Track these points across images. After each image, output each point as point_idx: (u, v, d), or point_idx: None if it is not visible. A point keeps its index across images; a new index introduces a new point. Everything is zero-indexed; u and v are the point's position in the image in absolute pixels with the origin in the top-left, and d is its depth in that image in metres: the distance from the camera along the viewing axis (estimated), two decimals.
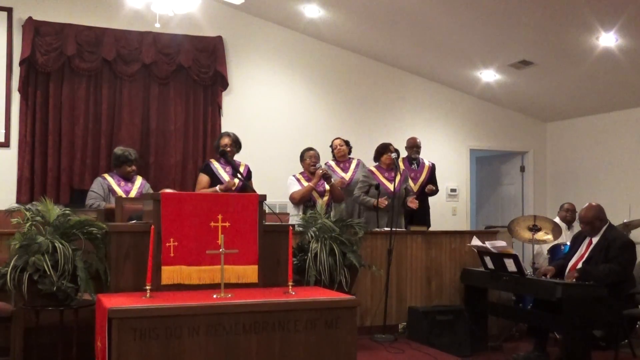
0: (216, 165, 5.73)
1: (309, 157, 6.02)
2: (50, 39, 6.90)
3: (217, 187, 5.48)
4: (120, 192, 5.73)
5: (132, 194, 5.79)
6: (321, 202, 5.75)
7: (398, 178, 6.19)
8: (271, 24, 7.94)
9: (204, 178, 5.68)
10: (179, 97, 7.47)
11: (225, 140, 5.75)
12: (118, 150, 5.99)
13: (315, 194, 5.94)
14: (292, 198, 5.95)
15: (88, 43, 7.04)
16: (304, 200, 5.89)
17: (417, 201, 6.17)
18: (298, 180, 6.01)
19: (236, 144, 5.79)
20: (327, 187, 5.95)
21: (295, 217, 5.83)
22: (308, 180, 5.96)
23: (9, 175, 6.80)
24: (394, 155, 6.21)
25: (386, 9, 6.92)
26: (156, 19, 5.80)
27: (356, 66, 8.40)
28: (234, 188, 5.54)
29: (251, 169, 5.93)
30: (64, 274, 3.47)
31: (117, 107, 7.20)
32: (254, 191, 5.28)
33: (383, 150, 6.33)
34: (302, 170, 6.14)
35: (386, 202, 5.95)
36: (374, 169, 6.32)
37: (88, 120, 7.08)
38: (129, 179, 5.88)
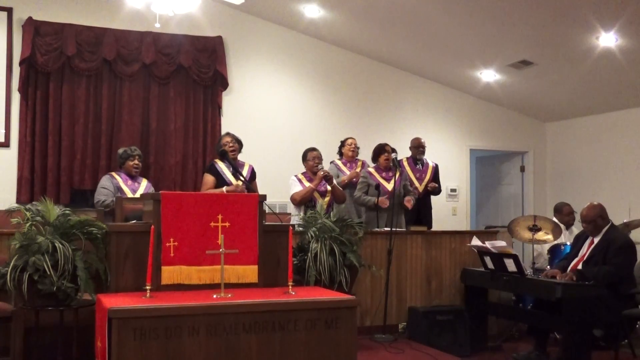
0: (221, 166, 5.66)
1: (312, 158, 5.99)
2: (50, 39, 6.90)
3: (224, 189, 5.40)
4: (127, 190, 5.77)
5: (139, 193, 5.80)
6: (321, 202, 5.75)
7: (396, 178, 6.20)
8: (271, 24, 7.94)
9: (209, 178, 5.58)
10: (179, 97, 7.47)
11: (227, 139, 5.73)
12: (120, 149, 6.11)
13: (316, 195, 5.93)
14: (292, 199, 5.93)
15: (88, 43, 7.04)
16: (304, 201, 5.87)
17: (413, 201, 6.18)
18: (300, 180, 5.98)
19: (238, 143, 5.76)
20: (329, 187, 5.94)
21: (296, 217, 5.82)
22: (310, 180, 5.94)
23: (9, 175, 6.80)
24: (393, 155, 6.26)
25: (386, 9, 6.92)
26: (156, 19, 5.80)
27: (356, 66, 8.40)
28: (239, 189, 5.48)
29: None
30: (64, 274, 3.48)
31: (117, 107, 7.21)
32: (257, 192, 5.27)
33: (380, 151, 6.35)
34: (303, 170, 6.11)
35: (387, 202, 5.96)
36: (372, 170, 6.32)
37: (88, 120, 7.09)
38: (134, 177, 5.91)
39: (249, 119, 7.77)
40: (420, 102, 8.75)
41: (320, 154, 6.04)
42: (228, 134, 5.85)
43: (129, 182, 5.87)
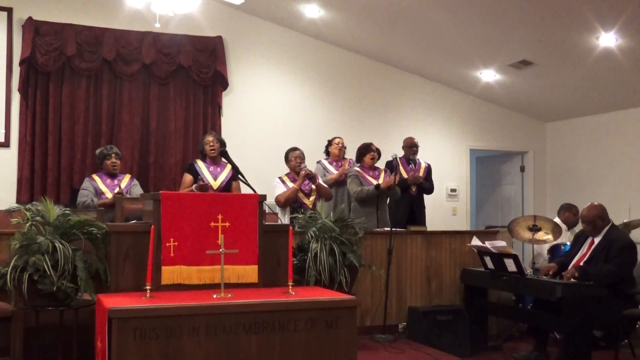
0: (200, 165, 5.74)
1: (294, 158, 5.95)
2: (50, 39, 6.90)
3: (193, 187, 5.45)
4: (106, 190, 5.95)
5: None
6: (319, 203, 5.74)
7: (382, 176, 6.20)
8: (271, 24, 7.94)
9: (187, 178, 5.71)
10: (179, 97, 7.47)
11: (209, 138, 5.78)
12: (97, 150, 6.25)
13: (301, 195, 5.90)
14: (277, 201, 5.86)
15: (88, 43, 7.04)
16: (289, 202, 5.83)
17: (393, 178, 6.07)
18: (283, 181, 5.94)
19: (220, 143, 5.79)
20: (313, 187, 5.91)
21: (281, 220, 5.80)
22: (293, 181, 5.90)
23: (9, 175, 6.80)
24: (393, 155, 6.27)
25: (386, 9, 6.93)
26: (156, 19, 5.81)
27: (356, 66, 8.41)
28: (214, 189, 5.52)
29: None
30: (64, 274, 3.47)
31: (117, 107, 7.21)
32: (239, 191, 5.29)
33: (365, 150, 6.33)
34: (288, 171, 6.07)
35: (391, 181, 5.91)
36: (358, 169, 6.29)
37: (88, 120, 7.09)
38: (115, 176, 5.99)
39: (249, 118, 7.77)
40: (420, 102, 8.75)
41: (303, 154, 6.00)
42: (211, 133, 5.99)
43: (108, 181, 6.02)
